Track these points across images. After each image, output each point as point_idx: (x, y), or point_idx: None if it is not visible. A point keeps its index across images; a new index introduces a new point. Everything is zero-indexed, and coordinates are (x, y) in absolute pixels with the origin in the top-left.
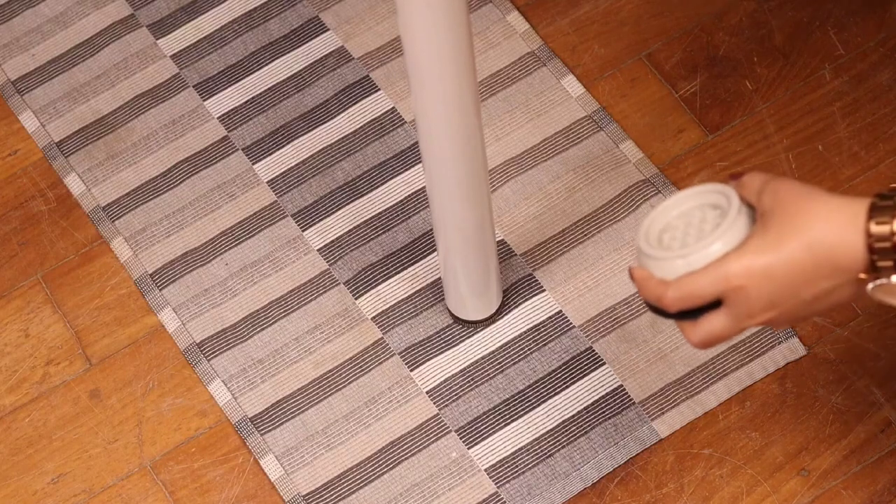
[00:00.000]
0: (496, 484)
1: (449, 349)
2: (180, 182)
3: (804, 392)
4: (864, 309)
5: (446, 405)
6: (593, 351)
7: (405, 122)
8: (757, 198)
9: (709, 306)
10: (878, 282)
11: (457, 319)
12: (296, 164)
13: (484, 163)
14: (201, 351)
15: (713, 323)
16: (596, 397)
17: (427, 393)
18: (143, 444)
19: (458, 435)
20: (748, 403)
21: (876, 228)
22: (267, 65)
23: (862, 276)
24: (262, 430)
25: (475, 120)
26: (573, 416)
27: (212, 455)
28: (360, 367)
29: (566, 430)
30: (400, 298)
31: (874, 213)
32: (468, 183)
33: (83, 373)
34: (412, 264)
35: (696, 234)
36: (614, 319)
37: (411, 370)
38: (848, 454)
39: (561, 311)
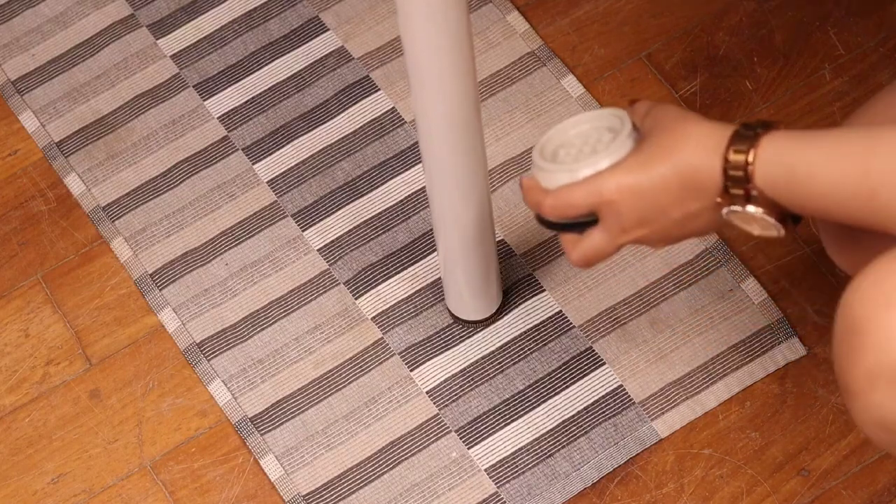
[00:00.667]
0: (496, 484)
1: (449, 349)
2: (180, 182)
3: (804, 392)
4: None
5: (446, 405)
6: (593, 351)
7: (405, 122)
8: (641, 122)
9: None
10: (732, 208)
11: (457, 319)
12: (296, 164)
13: (484, 163)
14: (201, 351)
15: (593, 237)
16: (596, 397)
17: (427, 393)
18: (143, 444)
19: (458, 435)
20: (748, 403)
21: (733, 157)
22: (267, 65)
23: (718, 200)
24: (262, 430)
25: (475, 120)
26: (573, 416)
27: (212, 455)
28: (360, 367)
29: (566, 430)
30: (400, 298)
31: (734, 141)
32: (468, 183)
33: (83, 373)
34: (412, 264)
35: (589, 151)
36: (614, 319)
37: (411, 370)
38: (848, 454)
39: (561, 311)
